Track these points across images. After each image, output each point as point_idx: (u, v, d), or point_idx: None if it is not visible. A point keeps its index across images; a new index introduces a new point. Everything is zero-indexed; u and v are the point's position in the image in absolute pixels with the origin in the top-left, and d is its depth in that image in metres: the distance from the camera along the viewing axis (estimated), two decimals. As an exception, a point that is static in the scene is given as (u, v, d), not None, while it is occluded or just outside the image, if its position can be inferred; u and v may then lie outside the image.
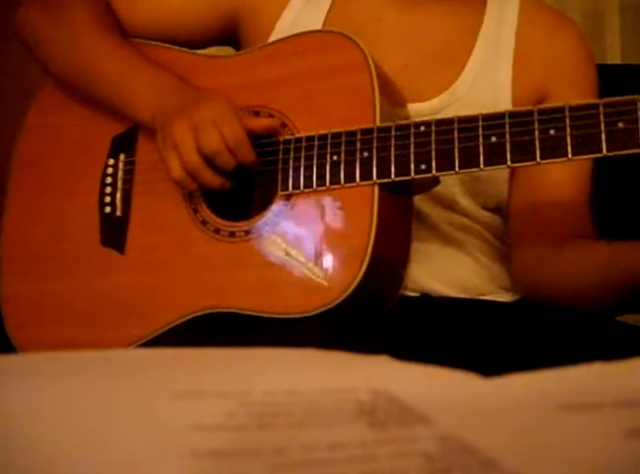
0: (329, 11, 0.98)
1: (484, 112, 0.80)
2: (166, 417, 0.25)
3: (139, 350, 0.69)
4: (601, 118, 0.75)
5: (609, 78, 1.03)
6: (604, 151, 0.75)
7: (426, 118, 0.83)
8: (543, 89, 0.97)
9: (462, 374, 0.30)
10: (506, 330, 0.85)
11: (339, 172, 0.84)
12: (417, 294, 0.91)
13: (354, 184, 0.83)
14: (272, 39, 0.97)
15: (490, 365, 0.34)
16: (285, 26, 0.98)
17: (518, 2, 1.00)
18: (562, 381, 0.29)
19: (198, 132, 0.85)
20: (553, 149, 0.76)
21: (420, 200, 0.91)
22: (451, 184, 0.92)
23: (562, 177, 0.95)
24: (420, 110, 0.92)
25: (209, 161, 0.85)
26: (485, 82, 0.95)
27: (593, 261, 0.88)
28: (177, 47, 1.01)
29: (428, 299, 0.91)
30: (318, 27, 0.97)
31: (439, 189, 0.89)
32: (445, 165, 0.80)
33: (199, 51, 1.02)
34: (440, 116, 0.85)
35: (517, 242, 0.98)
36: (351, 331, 0.79)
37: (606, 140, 0.74)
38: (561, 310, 0.90)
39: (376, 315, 0.85)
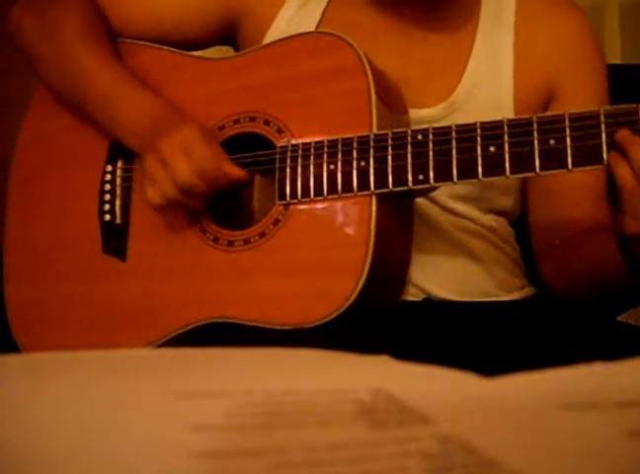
0: (323, 14, 0.97)
1: (485, 118, 0.79)
2: (166, 417, 0.25)
3: (140, 349, 0.69)
4: (602, 127, 0.73)
5: (609, 78, 1.02)
6: (605, 162, 0.73)
7: (423, 126, 0.82)
8: (549, 84, 0.95)
9: (462, 374, 0.30)
10: (507, 331, 0.84)
11: (336, 182, 0.83)
12: (419, 299, 0.91)
13: (351, 194, 0.82)
14: (266, 40, 0.97)
15: (491, 366, 0.34)
16: (280, 27, 0.97)
17: None
18: (563, 381, 0.29)
19: (168, 167, 0.85)
20: (553, 160, 0.75)
21: (423, 204, 0.91)
22: (454, 193, 0.91)
23: (579, 178, 0.92)
24: (419, 116, 0.91)
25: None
26: (485, 87, 0.93)
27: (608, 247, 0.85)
28: (171, 49, 1.00)
29: (430, 303, 0.91)
30: (311, 29, 0.95)
31: (440, 194, 0.89)
32: (443, 176, 0.79)
33: (194, 53, 1.01)
34: (440, 124, 0.83)
35: (540, 248, 0.97)
36: (351, 332, 0.78)
37: (608, 151, 0.73)
38: (565, 311, 0.90)
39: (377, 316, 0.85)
